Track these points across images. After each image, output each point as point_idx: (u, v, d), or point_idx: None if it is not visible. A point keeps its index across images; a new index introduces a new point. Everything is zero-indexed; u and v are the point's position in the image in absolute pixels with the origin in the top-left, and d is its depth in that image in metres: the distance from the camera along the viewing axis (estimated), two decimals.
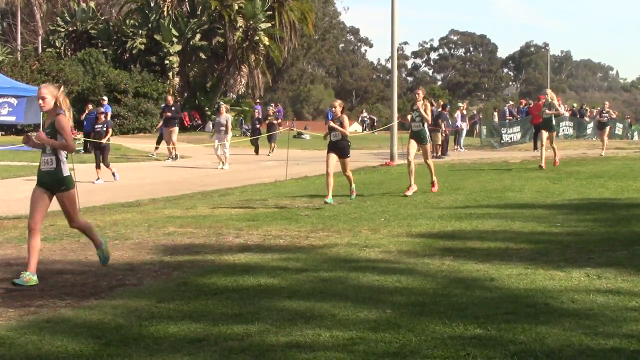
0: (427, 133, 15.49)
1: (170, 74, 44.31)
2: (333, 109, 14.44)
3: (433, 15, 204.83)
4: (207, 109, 46.92)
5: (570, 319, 5.95)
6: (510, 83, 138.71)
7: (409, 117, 15.46)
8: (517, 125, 36.12)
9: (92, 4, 49.70)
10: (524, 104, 42.11)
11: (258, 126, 34.18)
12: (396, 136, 26.28)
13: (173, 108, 28.38)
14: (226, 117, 25.80)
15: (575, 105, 49.56)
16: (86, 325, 6.09)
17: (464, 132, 35.00)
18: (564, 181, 16.93)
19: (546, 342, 5.37)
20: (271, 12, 46.90)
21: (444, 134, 29.18)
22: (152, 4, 45.72)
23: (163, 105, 31.19)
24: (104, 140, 20.85)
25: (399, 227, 10.84)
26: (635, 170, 19.36)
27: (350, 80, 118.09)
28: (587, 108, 48.42)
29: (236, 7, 44.55)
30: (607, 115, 28.19)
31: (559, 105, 20.74)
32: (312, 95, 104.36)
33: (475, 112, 39.74)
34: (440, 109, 30.30)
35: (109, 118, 30.91)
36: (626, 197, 13.98)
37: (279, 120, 32.59)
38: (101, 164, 20.75)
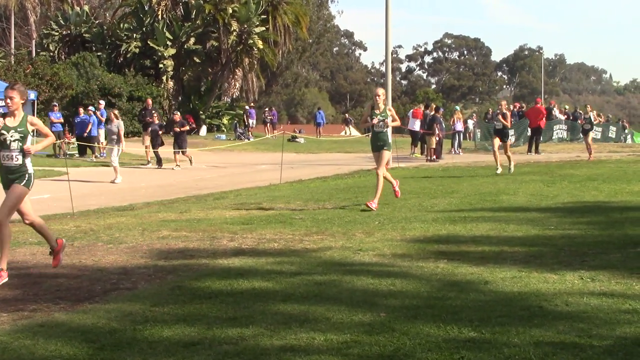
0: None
1: (164, 77, 44.28)
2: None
3: (427, 19, 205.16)
4: (201, 112, 46.92)
5: (564, 321, 5.95)
6: (505, 86, 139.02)
7: None
8: (511, 129, 36.15)
9: (86, 8, 49.64)
10: (517, 107, 42.15)
11: (166, 133, 28.72)
12: (390, 139, 26.26)
13: (154, 112, 28.29)
14: (118, 124, 22.92)
15: (567, 107, 49.68)
16: (80, 329, 6.08)
17: (461, 135, 35.06)
18: (558, 184, 16.96)
19: (540, 345, 5.37)
20: (265, 16, 46.92)
21: (437, 137, 29.21)
22: (146, 8, 45.68)
23: (142, 108, 30.98)
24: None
25: (393, 231, 10.85)
26: (628, 173, 19.41)
27: (345, 83, 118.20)
28: (581, 112, 48.50)
29: (230, 11, 44.55)
30: (500, 124, 20.35)
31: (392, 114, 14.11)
32: (307, 98, 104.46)
33: (474, 112, 39.63)
34: (433, 113, 30.34)
35: (103, 121, 31.00)
36: (620, 200, 14.01)
37: (187, 127, 27.98)
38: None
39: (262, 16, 46.36)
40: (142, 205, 15.96)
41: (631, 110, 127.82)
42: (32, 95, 32.46)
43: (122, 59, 44.78)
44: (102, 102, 32.41)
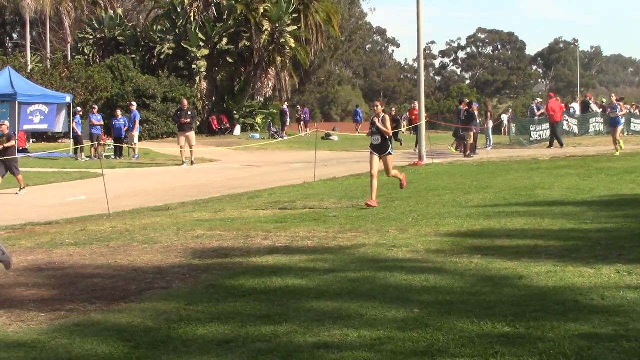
0: None
1: (197, 78, 44.49)
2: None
3: (460, 14, 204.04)
4: (235, 112, 47.12)
5: (600, 316, 5.89)
6: (540, 80, 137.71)
7: None
8: (546, 123, 35.80)
9: (119, 11, 50.12)
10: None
11: None
12: (424, 136, 26.22)
13: (189, 113, 28.48)
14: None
15: (604, 100, 48.96)
16: (116, 328, 6.15)
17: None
18: (594, 178, 16.76)
19: (575, 339, 5.32)
20: (297, 15, 46.93)
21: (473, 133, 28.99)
22: (179, 10, 45.95)
23: (177, 109, 31.11)
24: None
25: (427, 227, 10.81)
26: None
27: (378, 80, 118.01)
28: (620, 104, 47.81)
29: (262, 11, 44.62)
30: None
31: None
32: (340, 96, 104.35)
33: (509, 106, 39.08)
34: (466, 109, 30.07)
35: (137, 124, 31.33)
36: None
37: (12, 142, 19.24)
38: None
39: (294, 15, 46.37)
40: (177, 205, 16.07)
41: None
42: (68, 98, 32.90)
43: (155, 61, 45.09)
44: (134, 104, 32.66)
